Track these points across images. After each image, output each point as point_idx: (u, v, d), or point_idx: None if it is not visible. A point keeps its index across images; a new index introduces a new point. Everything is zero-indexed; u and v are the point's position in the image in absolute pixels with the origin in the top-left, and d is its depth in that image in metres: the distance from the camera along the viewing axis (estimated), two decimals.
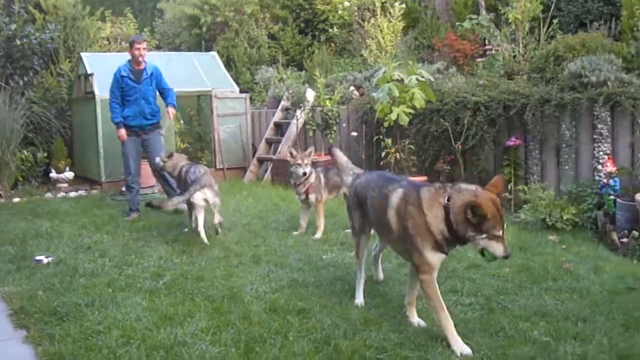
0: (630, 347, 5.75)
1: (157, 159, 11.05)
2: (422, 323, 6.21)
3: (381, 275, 7.72)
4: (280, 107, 16.72)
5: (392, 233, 6.13)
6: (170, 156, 10.83)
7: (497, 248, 5.60)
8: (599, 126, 10.83)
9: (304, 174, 9.98)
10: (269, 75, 18.69)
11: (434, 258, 5.82)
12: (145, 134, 11.77)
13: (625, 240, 9.00)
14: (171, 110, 12.01)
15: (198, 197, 9.38)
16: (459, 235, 5.63)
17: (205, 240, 9.29)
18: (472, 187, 5.80)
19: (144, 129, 11.75)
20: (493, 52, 15.69)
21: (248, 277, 7.83)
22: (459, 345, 5.58)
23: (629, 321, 6.36)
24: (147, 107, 11.70)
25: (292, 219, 11.01)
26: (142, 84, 11.65)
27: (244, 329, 6.16)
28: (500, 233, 5.58)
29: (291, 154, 10.19)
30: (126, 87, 11.57)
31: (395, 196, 6.05)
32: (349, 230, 8.63)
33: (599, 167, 10.75)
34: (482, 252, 5.70)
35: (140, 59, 11.56)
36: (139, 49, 11.51)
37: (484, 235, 5.55)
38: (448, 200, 5.67)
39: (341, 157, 7.75)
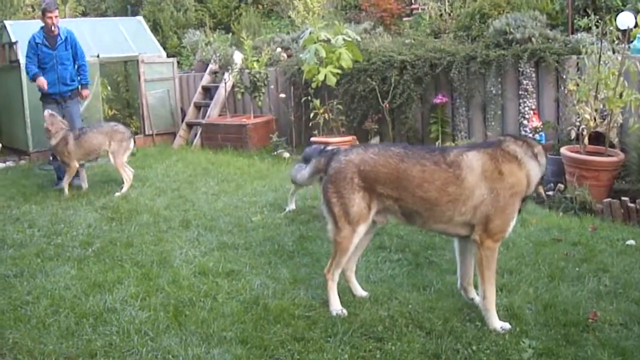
0: (554, 296, 5.90)
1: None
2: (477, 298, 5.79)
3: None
4: (208, 71, 16.60)
5: (459, 205, 5.40)
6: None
7: None
8: (524, 82, 11.01)
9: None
10: (196, 39, 18.47)
11: (514, 221, 5.51)
12: (64, 101, 11.53)
13: (551, 193, 9.16)
14: (85, 92, 11.82)
15: None
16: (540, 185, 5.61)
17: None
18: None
19: (63, 96, 11.48)
20: (419, 11, 15.77)
21: (177, 242, 7.81)
22: (497, 322, 5.37)
23: (553, 271, 6.54)
24: (65, 72, 11.42)
25: (221, 183, 11.00)
26: (58, 49, 11.37)
27: (173, 293, 6.16)
28: None
29: None
30: (42, 54, 11.29)
31: (477, 159, 5.40)
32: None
33: (525, 122, 10.95)
34: None
35: (53, 27, 11.28)
36: (51, 17, 11.21)
37: None
38: (534, 148, 5.47)
39: None
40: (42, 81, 11.15)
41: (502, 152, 5.39)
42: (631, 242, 7.49)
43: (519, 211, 5.51)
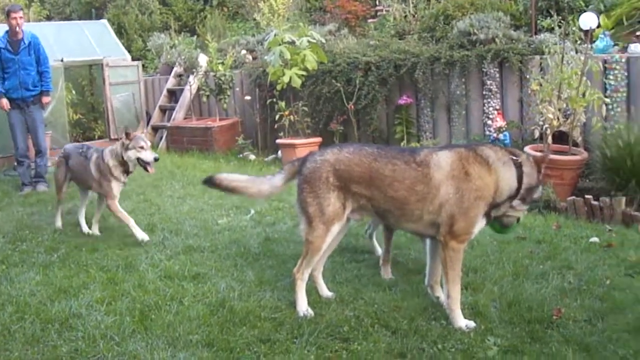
0: (519, 294, 5.95)
1: None
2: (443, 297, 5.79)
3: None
4: (173, 74, 16.58)
5: (427, 203, 5.43)
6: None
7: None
8: (488, 82, 11.10)
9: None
10: (161, 42, 18.41)
11: (482, 224, 5.55)
12: (27, 106, 11.43)
13: None
14: (45, 99, 11.71)
15: None
16: (529, 196, 5.55)
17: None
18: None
19: (26, 101, 11.38)
20: (384, 12, 15.81)
21: (143, 246, 7.77)
22: (462, 321, 5.40)
23: (518, 269, 6.59)
24: (27, 77, 11.32)
25: (187, 186, 10.97)
26: (20, 54, 11.27)
27: (139, 297, 6.11)
28: None
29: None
30: (4, 58, 11.22)
31: (446, 158, 5.46)
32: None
33: (489, 122, 11.03)
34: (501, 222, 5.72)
35: (17, 28, 11.17)
36: (15, 18, 11.13)
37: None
38: (516, 157, 5.49)
39: None
40: (4, 103, 11.21)
41: (474, 154, 5.43)
42: (595, 239, 7.57)
43: (491, 218, 5.56)
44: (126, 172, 8.39)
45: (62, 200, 9.10)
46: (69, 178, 8.95)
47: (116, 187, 8.38)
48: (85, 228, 8.72)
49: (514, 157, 5.46)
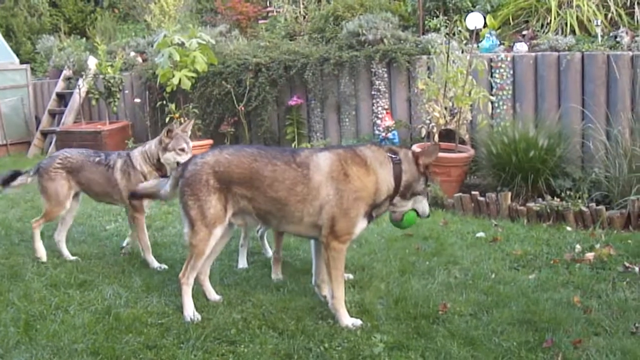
0: (405, 290, 6.05)
1: None
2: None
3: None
4: (62, 77, 16.25)
5: (307, 205, 5.46)
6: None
7: (425, 204, 5.82)
8: (377, 82, 11.25)
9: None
10: (50, 45, 17.99)
11: (362, 225, 5.54)
12: None
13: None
14: None
15: None
16: (413, 189, 5.58)
17: None
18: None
19: None
20: (275, 14, 15.83)
21: (30, 255, 7.56)
22: (348, 320, 5.43)
23: (405, 266, 6.71)
24: None
25: None
26: None
27: (24, 307, 5.96)
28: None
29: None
30: None
31: (325, 159, 5.49)
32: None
33: (378, 121, 11.17)
34: (403, 216, 5.76)
35: None
36: None
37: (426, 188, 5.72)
38: (394, 155, 5.54)
39: None
40: None
41: (353, 154, 5.49)
42: (481, 234, 7.76)
43: (372, 217, 5.60)
44: (164, 177, 6.92)
45: (67, 224, 7.74)
46: (73, 194, 7.53)
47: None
48: (66, 254, 7.54)
49: (392, 155, 5.52)
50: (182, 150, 7.05)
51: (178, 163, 6.89)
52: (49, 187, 7.40)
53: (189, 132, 7.41)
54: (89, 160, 7.38)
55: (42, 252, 7.43)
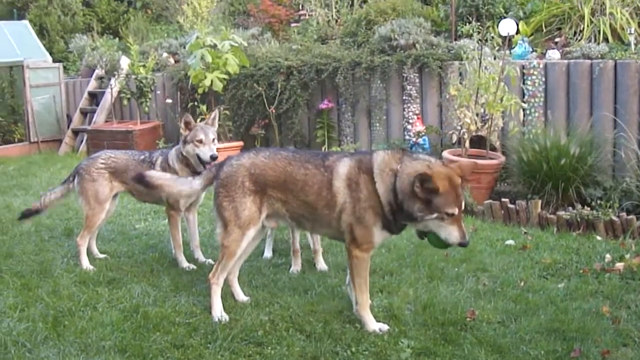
0: (434, 296, 6.02)
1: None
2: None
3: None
4: (94, 76, 16.37)
5: (331, 210, 5.45)
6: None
7: (451, 232, 5.08)
8: (408, 87, 11.21)
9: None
10: (83, 44, 18.12)
11: (380, 236, 5.43)
12: None
13: None
14: None
15: None
16: (406, 209, 5.11)
17: None
18: (431, 158, 5.32)
19: None
20: (307, 17, 15.84)
21: (59, 251, 7.65)
22: (375, 325, 5.42)
23: (433, 272, 6.68)
24: None
25: None
26: None
27: (53, 303, 6.02)
28: (455, 212, 5.02)
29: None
30: None
31: (344, 166, 5.44)
32: None
33: (409, 126, 11.14)
34: (424, 235, 5.33)
35: None
36: None
37: (434, 215, 5.02)
38: (399, 166, 5.21)
39: None
40: None
41: (366, 162, 5.42)
42: (510, 242, 7.71)
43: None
44: (195, 173, 6.81)
45: (100, 225, 7.59)
46: (114, 195, 7.46)
47: None
48: (96, 251, 7.58)
49: (394, 168, 5.25)
50: (200, 141, 6.95)
51: (199, 156, 6.94)
52: (89, 188, 7.26)
53: (216, 125, 7.34)
54: (133, 159, 7.33)
55: (87, 265, 7.13)
